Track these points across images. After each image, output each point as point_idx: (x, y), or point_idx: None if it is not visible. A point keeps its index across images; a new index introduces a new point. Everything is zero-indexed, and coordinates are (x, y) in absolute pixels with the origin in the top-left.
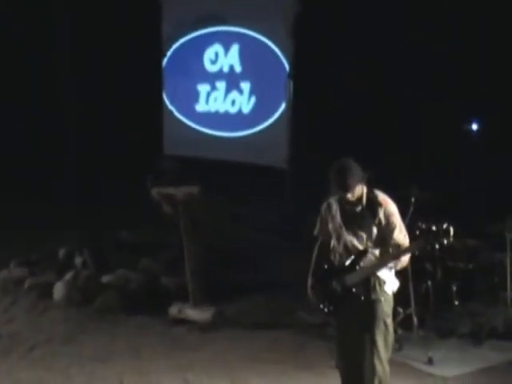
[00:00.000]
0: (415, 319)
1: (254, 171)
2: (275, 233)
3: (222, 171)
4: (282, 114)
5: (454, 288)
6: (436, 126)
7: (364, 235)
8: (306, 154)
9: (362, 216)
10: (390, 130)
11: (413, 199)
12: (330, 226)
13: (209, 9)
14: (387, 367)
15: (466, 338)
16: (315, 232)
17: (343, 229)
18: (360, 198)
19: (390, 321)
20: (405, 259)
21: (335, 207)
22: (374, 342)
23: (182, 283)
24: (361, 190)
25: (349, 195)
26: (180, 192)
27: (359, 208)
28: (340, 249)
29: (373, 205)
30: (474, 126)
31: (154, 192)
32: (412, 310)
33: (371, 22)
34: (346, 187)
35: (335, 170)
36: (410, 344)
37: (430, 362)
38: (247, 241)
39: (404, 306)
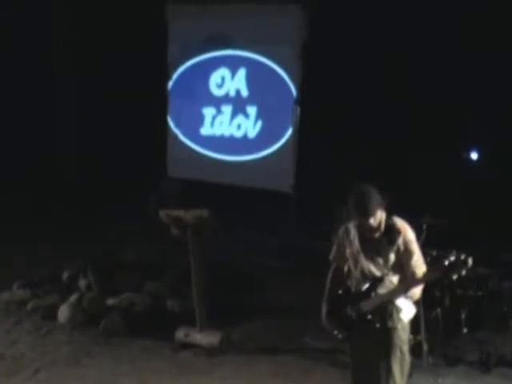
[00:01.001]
0: (425, 346)
1: (258, 195)
2: (278, 257)
3: (225, 195)
4: (288, 139)
5: (463, 316)
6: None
7: (381, 261)
8: (311, 179)
9: (381, 242)
10: (399, 155)
11: (424, 226)
12: (348, 251)
13: (216, 32)
14: None
15: (474, 365)
16: (331, 257)
17: (361, 254)
18: (379, 224)
19: (406, 348)
20: (418, 289)
21: (353, 232)
22: (390, 370)
23: (187, 306)
24: (380, 215)
25: (371, 221)
26: (190, 215)
27: (378, 234)
28: (357, 274)
29: (391, 231)
30: (474, 155)
31: (163, 214)
32: (422, 336)
33: (377, 48)
34: (367, 213)
35: (355, 196)
36: (419, 371)
37: None
38: (250, 265)
39: (414, 332)
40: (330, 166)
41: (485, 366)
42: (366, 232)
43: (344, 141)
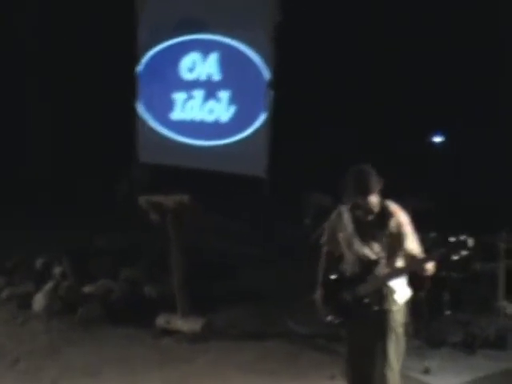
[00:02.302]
0: (410, 329)
1: (231, 180)
2: (252, 242)
3: (197, 180)
4: (261, 123)
5: (446, 298)
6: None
7: (376, 244)
8: (286, 163)
9: (374, 225)
10: (374, 138)
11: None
12: (341, 234)
13: (187, 16)
14: (398, 377)
15: (458, 347)
16: (322, 241)
17: (356, 238)
18: (373, 207)
19: (401, 330)
20: (431, 268)
21: (347, 216)
22: (385, 352)
23: (165, 292)
24: (375, 198)
25: (371, 199)
26: (170, 200)
27: (371, 217)
28: (351, 258)
29: (385, 214)
30: (438, 139)
31: (142, 200)
32: (407, 319)
33: (351, 29)
34: (368, 190)
35: (355, 174)
36: (405, 354)
37: (427, 371)
38: (226, 251)
39: None
40: (304, 151)
41: (469, 347)
42: (360, 215)
43: (318, 124)
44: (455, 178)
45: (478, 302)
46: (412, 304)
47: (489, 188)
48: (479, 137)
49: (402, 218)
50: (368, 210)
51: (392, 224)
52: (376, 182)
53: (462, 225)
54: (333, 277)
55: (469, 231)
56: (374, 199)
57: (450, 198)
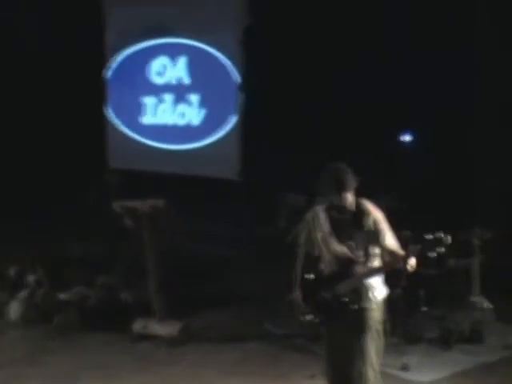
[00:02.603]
0: (387, 326)
1: (205, 183)
2: (228, 245)
3: (171, 184)
4: (233, 125)
5: (422, 294)
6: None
7: (353, 243)
8: (259, 165)
9: (351, 224)
10: (345, 137)
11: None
12: (318, 234)
13: (155, 20)
14: (378, 375)
15: (435, 342)
16: (300, 242)
17: (333, 237)
18: (349, 206)
19: (380, 328)
20: (412, 264)
21: (323, 216)
22: (365, 350)
23: (141, 297)
24: (351, 196)
25: (347, 195)
26: (145, 205)
27: (347, 216)
28: (329, 258)
29: (360, 213)
30: (407, 137)
31: (116, 205)
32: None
33: (321, 32)
34: (345, 187)
35: (332, 171)
36: (384, 351)
37: (406, 367)
38: (201, 254)
39: None
40: (277, 152)
41: (446, 342)
42: (336, 214)
43: (289, 127)
44: (426, 176)
45: (452, 297)
46: (388, 301)
47: (459, 185)
48: (449, 135)
49: (377, 215)
50: (343, 208)
51: (368, 222)
52: (352, 180)
53: (434, 222)
54: (311, 276)
55: (442, 228)
56: (349, 197)
57: (421, 196)
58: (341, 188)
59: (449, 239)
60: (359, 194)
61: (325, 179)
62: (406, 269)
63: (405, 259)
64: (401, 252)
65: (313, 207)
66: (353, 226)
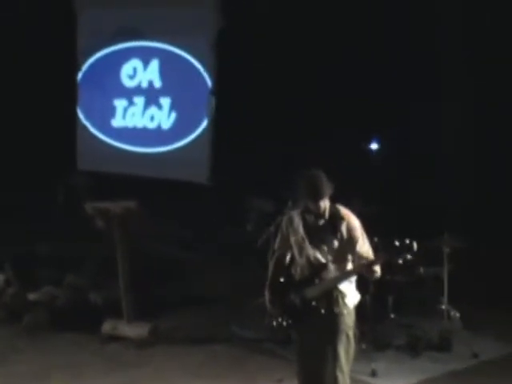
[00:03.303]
0: (357, 332)
1: (174, 187)
2: (196, 248)
3: (139, 187)
4: (203, 130)
5: (390, 301)
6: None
7: (326, 248)
8: (228, 169)
9: (325, 229)
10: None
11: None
12: (293, 238)
13: (127, 23)
14: (348, 379)
15: (403, 349)
16: (275, 245)
17: (306, 242)
18: (324, 212)
19: (351, 333)
20: (377, 270)
21: (297, 220)
22: (336, 355)
23: (110, 298)
24: (326, 203)
25: (321, 204)
26: (117, 206)
27: (322, 221)
28: (302, 262)
29: (335, 218)
30: (374, 146)
31: (88, 206)
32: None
33: (293, 38)
34: (319, 195)
35: (307, 178)
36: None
37: (374, 374)
38: (168, 256)
39: None
40: (245, 157)
41: (414, 350)
42: (310, 219)
43: (260, 131)
44: (394, 184)
45: (421, 305)
46: (357, 307)
47: (429, 193)
48: (419, 139)
49: (353, 222)
50: (319, 214)
51: (343, 228)
52: (327, 188)
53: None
54: (281, 280)
55: (411, 235)
56: (324, 204)
57: (390, 203)
58: (316, 195)
59: (415, 246)
60: (333, 198)
61: (301, 186)
62: (370, 275)
63: (368, 266)
64: (369, 259)
65: (286, 211)
66: (327, 232)
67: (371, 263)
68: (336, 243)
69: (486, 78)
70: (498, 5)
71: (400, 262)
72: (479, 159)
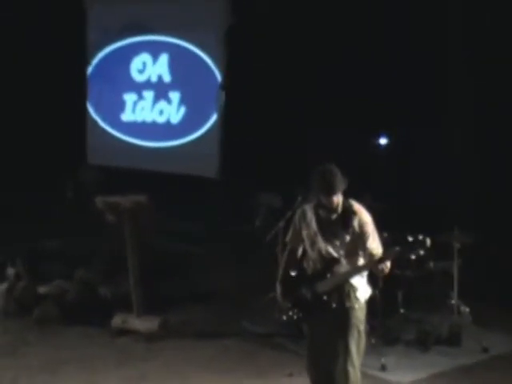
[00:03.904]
0: (367, 326)
1: (183, 181)
2: (205, 243)
3: (149, 181)
4: (213, 124)
5: (400, 296)
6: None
7: (338, 243)
8: (237, 164)
9: (338, 224)
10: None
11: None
12: (305, 232)
13: (136, 17)
14: (359, 373)
15: (412, 344)
16: (287, 239)
17: (318, 236)
18: (337, 206)
19: (362, 328)
20: (387, 266)
21: (310, 214)
22: (347, 349)
23: (119, 292)
24: (339, 198)
25: (334, 199)
26: (127, 201)
27: (334, 216)
28: (314, 256)
29: (348, 213)
30: (383, 141)
31: (99, 201)
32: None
33: (303, 34)
34: (332, 190)
35: (321, 173)
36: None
37: (384, 368)
38: (177, 251)
39: None
40: (254, 151)
41: (423, 344)
42: (323, 213)
43: (269, 125)
44: (402, 179)
45: (430, 300)
46: (367, 302)
47: (436, 188)
48: (425, 138)
49: (365, 217)
50: (332, 209)
51: (355, 223)
52: (341, 183)
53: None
54: (293, 273)
55: (419, 231)
56: (337, 198)
57: (398, 198)
58: (329, 190)
59: (428, 242)
60: (345, 193)
61: (314, 181)
62: (379, 272)
63: (378, 262)
64: (379, 255)
65: (296, 206)
66: (340, 226)
67: (381, 259)
68: (348, 238)
69: (487, 78)
70: (497, 5)
71: (413, 257)
72: (485, 157)
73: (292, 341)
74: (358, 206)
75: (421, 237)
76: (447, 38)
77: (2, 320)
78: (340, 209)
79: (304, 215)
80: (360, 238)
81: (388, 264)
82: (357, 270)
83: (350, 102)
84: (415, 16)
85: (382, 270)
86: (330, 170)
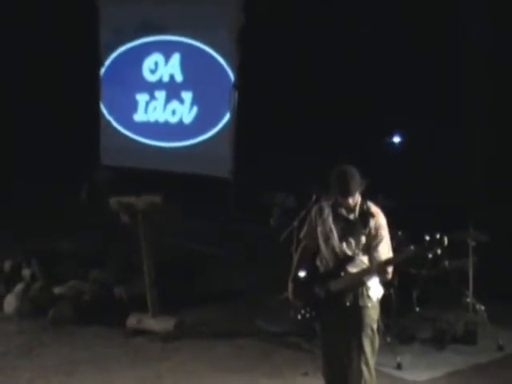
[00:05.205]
0: (382, 325)
1: (196, 181)
2: (218, 243)
3: (160, 181)
4: (226, 124)
5: (415, 295)
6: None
7: (353, 242)
8: (250, 164)
9: (354, 223)
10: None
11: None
12: (320, 229)
13: (149, 17)
14: (373, 372)
15: (428, 343)
16: (301, 235)
17: (333, 232)
18: (354, 207)
19: (376, 326)
20: (390, 270)
21: (327, 211)
22: (361, 348)
23: (134, 293)
24: (356, 199)
25: (350, 200)
26: (142, 201)
27: (352, 215)
28: (328, 253)
29: (365, 214)
30: (396, 139)
31: (113, 201)
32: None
33: (317, 33)
34: (348, 192)
35: (338, 175)
36: (378, 350)
37: (399, 367)
38: (192, 251)
39: None
40: (267, 151)
41: (439, 343)
42: (341, 212)
43: (282, 125)
44: (415, 177)
45: (446, 298)
46: (381, 301)
47: (448, 186)
48: (439, 136)
49: (381, 220)
50: (346, 209)
51: (372, 225)
52: (357, 184)
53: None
54: (306, 272)
55: (433, 229)
56: (354, 200)
57: (411, 196)
58: (346, 192)
59: (446, 240)
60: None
61: (332, 182)
62: (382, 276)
63: (383, 265)
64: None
65: (310, 205)
66: (356, 226)
67: (387, 262)
68: (364, 238)
69: (506, 78)
70: None
71: (430, 256)
72: (498, 155)
73: (307, 340)
74: (375, 209)
75: (438, 235)
76: (465, 36)
77: (18, 321)
78: (358, 209)
79: (321, 211)
80: (374, 240)
81: (390, 269)
82: (371, 271)
83: (364, 100)
84: (431, 13)
85: (385, 275)
86: (346, 172)
